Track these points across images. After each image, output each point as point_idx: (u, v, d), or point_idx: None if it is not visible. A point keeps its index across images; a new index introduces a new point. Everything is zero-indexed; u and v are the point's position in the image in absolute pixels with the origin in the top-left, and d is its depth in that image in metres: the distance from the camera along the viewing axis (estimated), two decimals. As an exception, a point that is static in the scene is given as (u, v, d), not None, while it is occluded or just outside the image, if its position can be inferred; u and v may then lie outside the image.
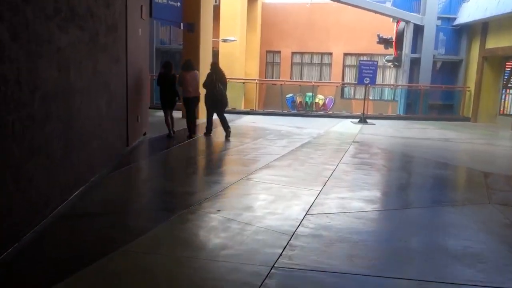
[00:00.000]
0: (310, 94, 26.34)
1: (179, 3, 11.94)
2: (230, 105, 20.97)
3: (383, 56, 24.48)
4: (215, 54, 21.65)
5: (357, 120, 13.49)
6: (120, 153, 7.11)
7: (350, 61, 25.63)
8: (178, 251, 3.65)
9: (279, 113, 14.76)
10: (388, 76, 25.03)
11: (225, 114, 9.71)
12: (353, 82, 25.09)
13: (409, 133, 11.68)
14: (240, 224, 4.28)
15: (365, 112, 13.56)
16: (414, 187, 6.50)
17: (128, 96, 7.44)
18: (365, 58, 25.56)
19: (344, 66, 25.58)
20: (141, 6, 8.51)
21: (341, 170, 6.89)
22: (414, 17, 14.53)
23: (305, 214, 4.65)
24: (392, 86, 15.31)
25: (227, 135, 9.48)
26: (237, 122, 12.47)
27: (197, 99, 9.68)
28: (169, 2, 11.48)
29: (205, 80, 9.56)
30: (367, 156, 8.40)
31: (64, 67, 4.46)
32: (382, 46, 24.18)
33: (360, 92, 25.24)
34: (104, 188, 5.44)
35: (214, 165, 7.58)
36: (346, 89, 26.01)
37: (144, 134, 9.30)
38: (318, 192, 5.54)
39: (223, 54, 22.03)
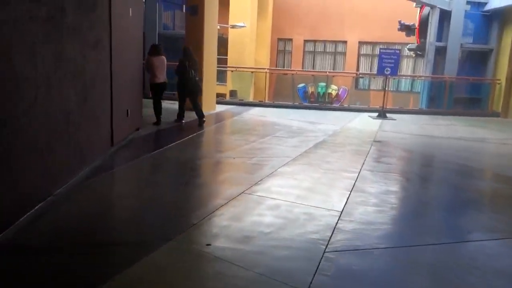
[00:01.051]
0: (323, 84, 24.94)
1: (181, -17, 10.70)
2: (239, 96, 19.96)
3: (402, 45, 23.00)
4: (224, 41, 20.38)
5: (376, 114, 12.18)
6: (102, 155, 5.95)
7: (366, 50, 24.21)
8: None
9: (291, 106, 13.49)
10: (405, 66, 23.53)
11: (198, 103, 9.37)
12: (369, 72, 23.77)
13: (435, 130, 10.35)
14: (235, 268, 3.09)
15: (385, 105, 12.23)
16: (466, 207, 5.02)
17: (114, 87, 6.25)
18: (382, 46, 24.22)
19: (359, 55, 24.17)
20: (133, -18, 7.28)
21: (364, 179, 5.65)
22: (441, 2, 13.07)
23: (325, 250, 3.45)
24: (415, 77, 13.89)
25: (200, 123, 9.15)
26: (245, 116, 11.23)
27: (164, 85, 9.30)
28: (170, -19, 10.26)
29: (178, 66, 9.24)
30: (394, 161, 7.13)
31: (2, 51, 3.28)
32: (399, 34, 22.59)
33: (375, 83, 23.89)
34: (64, 207, 4.25)
35: (212, 171, 6.27)
36: (361, 80, 24.62)
37: (137, 129, 8.14)
38: (340, 212, 4.33)
39: (232, 41, 20.73)
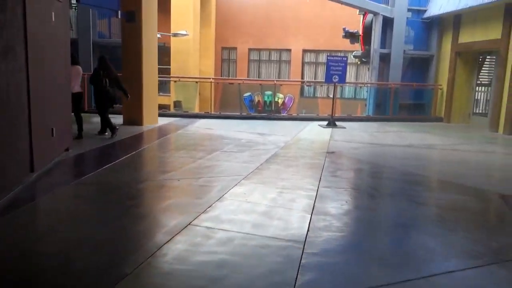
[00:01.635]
0: (269, 93, 24.61)
1: (115, -14, 9.79)
2: (184, 107, 19.06)
3: (345, 52, 23.21)
4: (166, 50, 19.45)
5: (325, 123, 11.84)
6: (19, 185, 4.98)
7: (310, 57, 24.26)
8: None
9: (238, 116, 12.87)
10: (349, 73, 23.74)
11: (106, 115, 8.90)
12: (315, 80, 23.77)
13: (385, 138, 10.13)
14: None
15: (332, 113, 11.93)
16: (434, 225, 4.53)
17: (32, 103, 5.29)
18: (326, 54, 24.31)
19: (303, 63, 24.15)
20: (55, -17, 6.34)
21: (323, 198, 5.09)
22: (383, 9, 13.06)
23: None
24: (361, 84, 13.77)
25: (104, 133, 8.98)
26: (190, 129, 10.44)
27: (81, 95, 9.02)
28: (102, -16, 9.33)
29: (91, 76, 9.02)
30: (350, 175, 6.67)
31: None
32: (343, 41, 22.65)
33: (321, 90, 23.91)
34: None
35: (153, 198, 5.32)
36: (306, 88, 24.56)
37: (67, 150, 7.14)
38: (303, 243, 3.72)
39: (176, 50, 19.83)
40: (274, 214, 4.51)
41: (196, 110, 19.91)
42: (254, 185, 5.59)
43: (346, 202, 5.07)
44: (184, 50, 19.71)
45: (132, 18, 10.20)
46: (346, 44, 22.75)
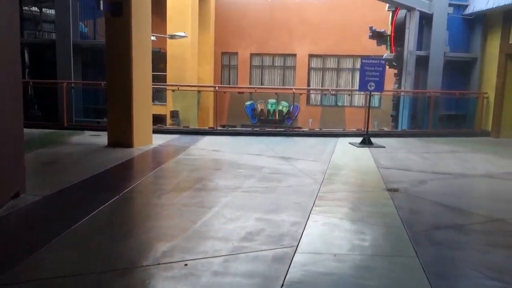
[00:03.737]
0: (273, 101, 22.25)
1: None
2: (181, 117, 16.51)
3: (354, 57, 20.96)
4: (162, 56, 17.03)
5: (357, 140, 9.41)
6: None
7: (316, 63, 21.93)
8: None
9: (249, 132, 10.35)
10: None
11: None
12: (322, 87, 21.44)
13: (444, 162, 7.70)
14: None
15: (367, 128, 9.51)
16: None
17: None
18: (332, 59, 21.98)
19: (309, 69, 21.81)
20: None
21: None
22: (420, 3, 10.68)
23: None
24: (396, 93, 11.39)
25: None
26: (193, 152, 7.93)
27: None
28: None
29: None
30: (455, 241, 4.11)
31: None
32: (352, 45, 20.56)
33: (328, 98, 21.53)
34: None
35: None
36: (312, 96, 22.17)
37: (16, 195, 4.63)
38: None
39: (172, 56, 17.33)
40: None
41: (196, 122, 17.49)
42: (318, 277, 3.11)
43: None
44: (181, 56, 17.30)
45: (118, 12, 7.73)
46: (356, 48, 20.55)
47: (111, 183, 5.67)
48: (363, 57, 9.25)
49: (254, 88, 10.88)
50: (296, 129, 10.48)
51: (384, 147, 9.00)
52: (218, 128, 10.18)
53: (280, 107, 21.99)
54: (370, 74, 8.94)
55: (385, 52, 12.15)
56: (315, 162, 7.28)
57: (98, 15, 12.51)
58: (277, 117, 22.15)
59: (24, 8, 12.84)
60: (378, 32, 11.67)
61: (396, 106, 12.11)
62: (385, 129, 11.76)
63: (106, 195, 4.96)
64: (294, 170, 6.65)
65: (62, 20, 10.51)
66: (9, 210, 4.36)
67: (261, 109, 22.00)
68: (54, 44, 10.65)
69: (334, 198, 5.19)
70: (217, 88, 9.97)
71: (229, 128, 10.66)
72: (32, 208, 4.58)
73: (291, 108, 21.97)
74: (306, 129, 10.59)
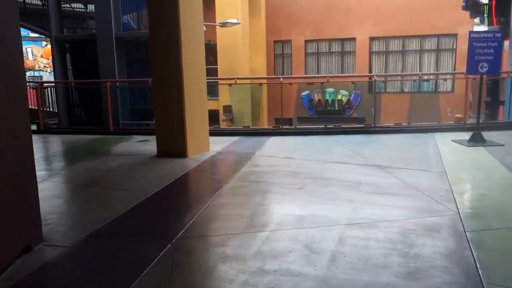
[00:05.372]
0: (331, 90, 20.13)
1: None
2: (235, 112, 14.87)
3: (425, 37, 18.42)
4: (211, 48, 15.48)
5: (462, 136, 7.28)
6: None
7: (378, 46, 19.57)
8: None
9: (321, 130, 8.44)
10: (427, 61, 18.87)
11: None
12: (385, 73, 19.08)
13: None
14: None
15: (477, 120, 7.33)
16: None
17: None
18: (396, 41, 19.45)
19: (370, 53, 19.48)
20: None
21: None
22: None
23: None
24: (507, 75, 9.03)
25: None
26: (260, 161, 6.18)
27: None
28: None
29: None
30: None
31: None
32: (420, 25, 18.01)
33: (392, 84, 19.12)
34: None
35: None
36: (377, 82, 19.77)
37: (26, 250, 3.12)
38: None
39: (223, 47, 15.76)
40: None
41: (250, 117, 15.83)
42: None
43: None
44: (233, 46, 15.68)
45: (162, -9, 6.12)
46: (425, 28, 17.96)
47: (160, 219, 4.04)
48: (471, 31, 7.00)
49: (325, 77, 8.88)
50: (379, 126, 8.41)
51: (503, 145, 6.82)
52: (284, 127, 8.35)
53: (340, 96, 19.87)
54: (481, 51, 6.75)
55: (462, 28, 9.78)
56: (425, 173, 5.30)
57: (141, 7, 11.06)
58: (336, 107, 20.08)
59: (64, 5, 11.62)
60: (474, 1, 9.29)
61: (491, 91, 9.78)
62: (471, 119, 9.39)
63: (153, 243, 3.34)
64: (402, 186, 4.73)
65: (102, 11, 9.11)
66: (14, 276, 2.83)
67: (318, 99, 20.01)
68: (94, 40, 9.31)
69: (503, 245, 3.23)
70: (281, 79, 8.07)
71: (297, 127, 8.81)
72: (49, 269, 3.04)
73: (351, 96, 19.83)
74: (390, 126, 8.50)
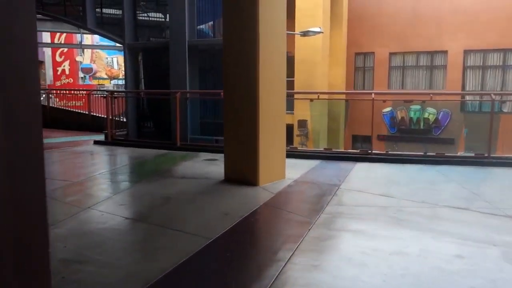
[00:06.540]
0: (417, 107, 18.11)
1: None
2: (314, 138, 13.55)
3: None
4: (289, 60, 14.41)
5: None
6: None
7: (474, 60, 17.20)
8: None
9: (420, 158, 6.85)
10: (493, 77, 16.32)
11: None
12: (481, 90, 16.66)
13: None
14: None
15: None
16: None
17: None
18: (496, 55, 16.94)
19: (464, 68, 17.20)
20: None
21: None
22: None
23: None
24: None
25: None
26: (346, 196, 4.80)
27: None
28: None
29: None
30: None
31: None
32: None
33: (487, 103, 16.60)
34: None
35: None
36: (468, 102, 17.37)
37: None
38: None
39: (301, 60, 14.63)
40: None
41: (326, 133, 14.47)
42: None
43: None
44: (311, 59, 14.51)
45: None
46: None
47: (215, 286, 2.89)
48: None
49: (429, 93, 7.27)
50: (498, 157, 6.61)
51: None
52: (373, 151, 6.90)
53: (426, 115, 17.76)
54: None
55: None
56: None
57: (218, 15, 10.29)
58: (421, 126, 17.97)
59: (142, 15, 11.22)
60: None
61: None
62: None
63: None
64: None
65: (176, 18, 8.41)
66: None
67: (402, 117, 18.05)
68: (167, 47, 8.63)
69: None
70: (373, 95, 6.65)
71: (389, 152, 7.29)
72: None
73: (440, 115, 17.62)
74: (505, 156, 6.67)
